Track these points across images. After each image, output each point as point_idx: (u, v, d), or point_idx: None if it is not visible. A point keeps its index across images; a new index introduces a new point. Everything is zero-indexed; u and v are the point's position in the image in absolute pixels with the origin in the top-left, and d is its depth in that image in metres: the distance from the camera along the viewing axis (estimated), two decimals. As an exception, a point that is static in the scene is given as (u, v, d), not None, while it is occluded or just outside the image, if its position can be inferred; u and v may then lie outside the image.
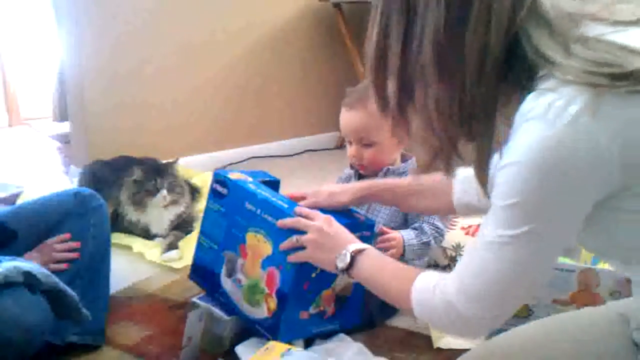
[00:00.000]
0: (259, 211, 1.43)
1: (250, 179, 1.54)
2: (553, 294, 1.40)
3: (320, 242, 1.26)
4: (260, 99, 3.29)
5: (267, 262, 1.41)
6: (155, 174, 2.19)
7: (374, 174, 1.73)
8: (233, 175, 1.54)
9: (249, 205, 1.45)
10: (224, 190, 1.52)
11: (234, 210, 1.49)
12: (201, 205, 2.53)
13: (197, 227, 2.24)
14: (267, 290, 1.41)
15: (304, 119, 3.48)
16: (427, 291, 1.01)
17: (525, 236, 0.86)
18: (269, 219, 1.40)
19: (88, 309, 1.41)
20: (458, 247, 1.78)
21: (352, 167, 1.79)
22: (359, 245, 1.20)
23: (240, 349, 1.44)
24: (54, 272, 1.46)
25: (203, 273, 1.58)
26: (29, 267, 1.25)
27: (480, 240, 0.93)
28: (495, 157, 0.92)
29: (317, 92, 3.47)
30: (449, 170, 0.99)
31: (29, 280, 1.24)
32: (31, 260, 1.49)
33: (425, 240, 1.64)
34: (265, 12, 3.20)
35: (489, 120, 0.91)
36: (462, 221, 1.90)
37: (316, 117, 3.50)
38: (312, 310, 1.44)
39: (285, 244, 1.34)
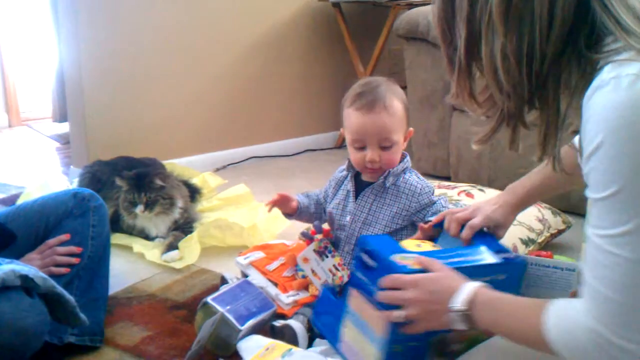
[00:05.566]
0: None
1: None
2: (553, 294, 1.40)
3: (427, 311, 1.06)
4: (260, 99, 3.29)
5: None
6: (135, 188, 2.15)
7: (373, 177, 1.65)
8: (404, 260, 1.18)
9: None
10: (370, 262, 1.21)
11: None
12: (201, 205, 2.53)
13: (197, 227, 2.24)
14: None
15: (304, 119, 3.48)
16: (565, 329, 0.87)
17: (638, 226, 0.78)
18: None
19: (86, 310, 1.41)
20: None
21: (348, 169, 1.70)
22: (463, 294, 1.01)
23: (242, 346, 1.43)
24: (55, 275, 1.47)
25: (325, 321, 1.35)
26: (26, 271, 1.24)
27: (594, 249, 0.83)
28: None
29: (316, 91, 3.47)
30: (513, 140, 0.95)
31: (26, 284, 1.24)
32: (31, 261, 1.49)
33: None
34: (265, 11, 3.20)
35: (557, 85, 0.88)
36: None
37: (316, 117, 3.50)
38: None
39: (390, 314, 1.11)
